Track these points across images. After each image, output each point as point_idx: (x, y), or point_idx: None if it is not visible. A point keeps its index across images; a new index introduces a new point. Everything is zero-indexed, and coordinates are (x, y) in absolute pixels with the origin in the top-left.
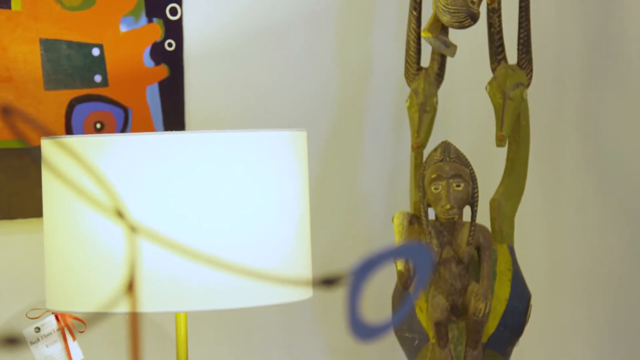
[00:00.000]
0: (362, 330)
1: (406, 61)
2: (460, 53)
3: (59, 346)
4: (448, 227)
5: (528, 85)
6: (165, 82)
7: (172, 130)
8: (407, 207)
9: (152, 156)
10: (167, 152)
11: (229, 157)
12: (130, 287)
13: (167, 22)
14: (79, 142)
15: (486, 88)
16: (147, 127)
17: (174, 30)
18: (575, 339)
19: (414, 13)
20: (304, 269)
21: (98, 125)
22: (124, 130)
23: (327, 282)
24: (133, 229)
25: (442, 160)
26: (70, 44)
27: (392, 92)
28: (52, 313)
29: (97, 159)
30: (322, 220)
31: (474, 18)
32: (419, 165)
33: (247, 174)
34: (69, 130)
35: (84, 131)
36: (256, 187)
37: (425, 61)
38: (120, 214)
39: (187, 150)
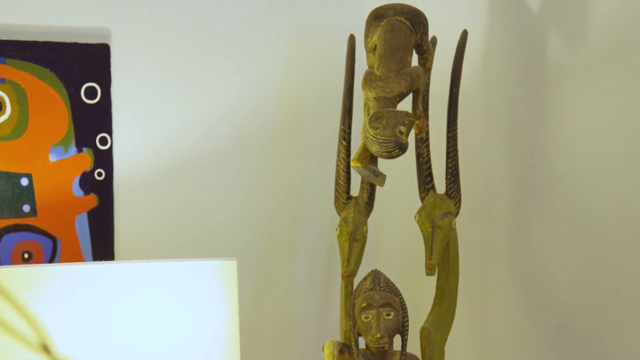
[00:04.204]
0: None
1: (336, 190)
2: (390, 182)
3: None
4: (379, 356)
5: (456, 214)
6: (95, 211)
7: (101, 260)
8: (337, 336)
9: (80, 287)
10: (95, 283)
11: (158, 287)
12: None
13: (97, 151)
14: (5, 273)
15: (415, 217)
16: (75, 257)
17: (104, 159)
18: None
19: (343, 142)
20: None
21: (26, 255)
22: (52, 260)
23: None
24: None
25: (372, 289)
26: None
27: (322, 220)
28: None
29: (24, 291)
30: (253, 350)
31: (402, 148)
32: (349, 294)
33: (176, 304)
34: None
35: (11, 261)
36: (185, 317)
37: (354, 190)
38: (46, 349)
39: (115, 281)
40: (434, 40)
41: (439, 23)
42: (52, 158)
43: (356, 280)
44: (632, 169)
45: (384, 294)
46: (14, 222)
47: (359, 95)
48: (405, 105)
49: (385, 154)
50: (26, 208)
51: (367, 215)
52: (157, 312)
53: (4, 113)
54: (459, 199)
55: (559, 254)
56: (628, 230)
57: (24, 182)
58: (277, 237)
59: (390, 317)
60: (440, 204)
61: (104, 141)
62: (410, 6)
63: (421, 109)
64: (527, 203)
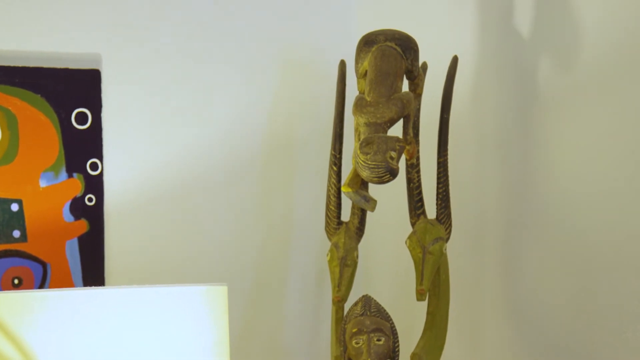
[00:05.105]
0: None
1: (327, 215)
2: (380, 207)
3: None
4: None
5: (447, 239)
6: (85, 236)
7: (91, 285)
8: None
9: (70, 312)
10: (86, 308)
11: (149, 312)
12: None
13: (87, 177)
14: None
15: (406, 242)
16: (66, 282)
17: (94, 185)
18: None
19: (334, 168)
20: None
21: (16, 281)
22: (42, 285)
23: None
24: None
25: (362, 315)
26: None
27: (313, 246)
28: None
29: (14, 316)
30: None
31: (393, 173)
32: (340, 319)
33: (167, 329)
34: None
35: (1, 287)
36: (175, 342)
37: (345, 215)
38: None
39: (106, 306)
40: (425, 66)
41: (429, 49)
42: (43, 183)
43: (347, 306)
44: (623, 196)
45: (375, 319)
46: (4, 248)
47: (350, 120)
48: (396, 130)
49: (376, 179)
50: (16, 234)
51: (358, 241)
52: (148, 337)
53: None
54: (450, 224)
55: (549, 279)
56: (618, 256)
57: (14, 207)
58: (268, 263)
59: (381, 342)
60: (431, 229)
61: (94, 166)
62: (401, 32)
63: (412, 134)
64: (518, 228)
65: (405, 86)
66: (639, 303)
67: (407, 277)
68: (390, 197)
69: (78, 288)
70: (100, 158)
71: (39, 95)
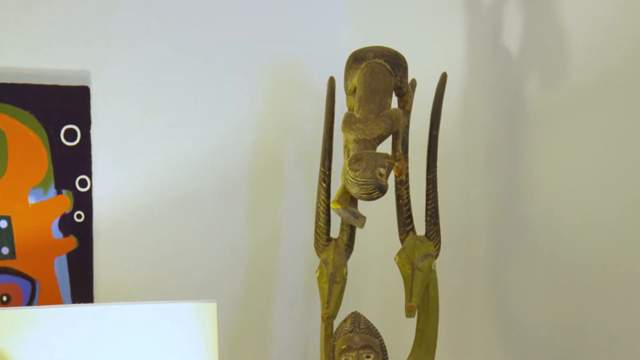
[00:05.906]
0: None
1: (316, 232)
2: (369, 224)
3: None
4: None
5: (436, 256)
6: (74, 253)
7: (80, 302)
8: None
9: (59, 329)
10: (74, 325)
11: (138, 330)
12: None
13: (76, 193)
14: None
15: (395, 259)
16: (54, 299)
17: (84, 201)
18: None
19: (323, 184)
20: None
21: (4, 298)
22: (31, 302)
23: None
24: None
25: (352, 331)
26: None
27: (302, 262)
28: None
29: (2, 333)
30: None
31: (382, 190)
32: (329, 336)
33: (155, 347)
34: None
35: None
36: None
37: (334, 232)
38: None
39: (95, 323)
40: (414, 82)
41: (418, 66)
42: (32, 200)
43: (336, 322)
44: (609, 213)
45: (364, 336)
46: None
47: (339, 137)
48: (385, 147)
49: (365, 195)
50: (5, 250)
51: (347, 257)
52: (137, 354)
53: None
54: (439, 241)
55: (538, 295)
56: (604, 272)
57: (3, 224)
58: (256, 279)
59: (370, 359)
60: (420, 245)
61: (83, 183)
62: (390, 49)
63: (401, 151)
64: (506, 245)
65: (394, 103)
66: (626, 318)
67: (396, 294)
68: (380, 213)
69: (67, 305)
70: (89, 174)
71: (28, 112)
